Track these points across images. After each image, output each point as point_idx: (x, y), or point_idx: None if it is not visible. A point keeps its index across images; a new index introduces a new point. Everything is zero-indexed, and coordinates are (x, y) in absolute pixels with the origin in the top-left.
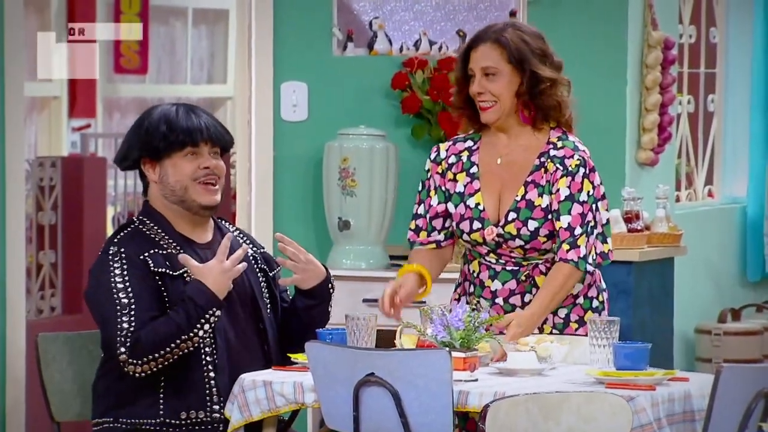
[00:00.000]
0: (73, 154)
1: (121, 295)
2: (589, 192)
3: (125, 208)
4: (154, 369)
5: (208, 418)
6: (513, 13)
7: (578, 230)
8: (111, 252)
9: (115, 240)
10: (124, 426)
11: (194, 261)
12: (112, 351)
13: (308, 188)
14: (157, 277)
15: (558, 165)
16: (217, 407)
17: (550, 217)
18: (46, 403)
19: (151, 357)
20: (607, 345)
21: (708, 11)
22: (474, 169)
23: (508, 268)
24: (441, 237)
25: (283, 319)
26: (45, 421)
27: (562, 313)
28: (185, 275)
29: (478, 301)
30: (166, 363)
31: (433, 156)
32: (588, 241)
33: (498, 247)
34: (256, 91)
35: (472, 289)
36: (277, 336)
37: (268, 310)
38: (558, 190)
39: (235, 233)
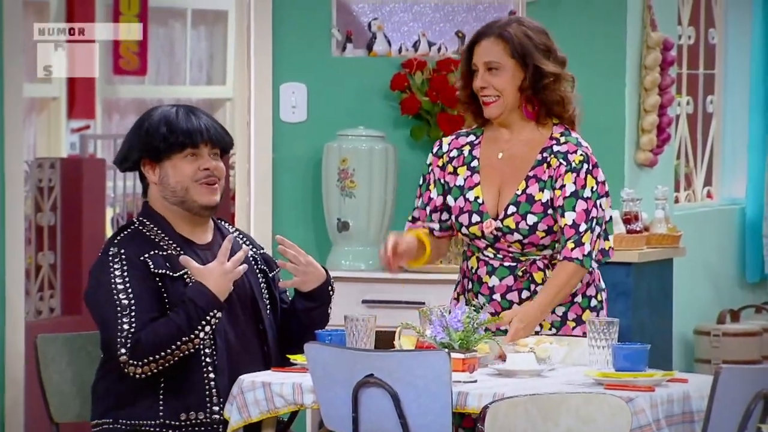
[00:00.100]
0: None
1: (121, 296)
2: (593, 188)
3: (124, 209)
4: (155, 370)
5: (208, 419)
6: (512, 14)
7: (583, 226)
8: (111, 253)
9: (115, 241)
10: (123, 427)
11: (195, 262)
12: (112, 352)
13: (307, 189)
14: (157, 279)
15: (561, 160)
16: (216, 408)
17: (549, 212)
18: (45, 404)
19: (151, 358)
20: (606, 346)
21: (707, 12)
22: (474, 163)
23: (505, 264)
24: (436, 226)
25: (283, 321)
26: (44, 423)
27: (560, 311)
28: (185, 276)
29: (476, 296)
30: (166, 364)
31: (435, 149)
32: (592, 238)
33: (496, 241)
34: (256, 93)
35: (470, 285)
36: (277, 337)
37: (268, 311)
38: (563, 185)
39: (235, 234)
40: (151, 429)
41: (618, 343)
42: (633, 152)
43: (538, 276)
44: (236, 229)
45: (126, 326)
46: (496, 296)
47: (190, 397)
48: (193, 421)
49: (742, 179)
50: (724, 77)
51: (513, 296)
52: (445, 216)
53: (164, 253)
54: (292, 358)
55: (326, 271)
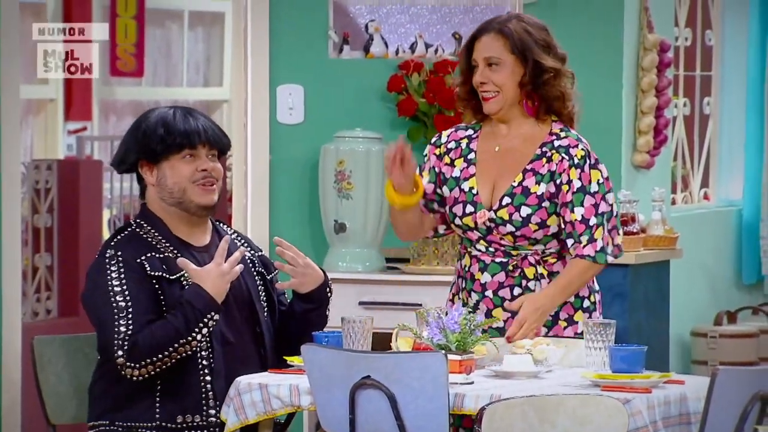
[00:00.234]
0: (69, 157)
1: (118, 298)
2: (599, 181)
3: (121, 210)
4: (152, 372)
5: (205, 422)
6: None
7: (593, 221)
8: (108, 255)
9: (113, 243)
10: (120, 429)
11: (193, 264)
12: (109, 354)
13: (304, 191)
14: (154, 281)
15: (564, 155)
16: (213, 411)
17: (544, 205)
18: (42, 406)
19: (149, 360)
20: (603, 348)
21: (704, 14)
22: (471, 155)
23: (497, 259)
24: (422, 202)
25: (281, 323)
26: (41, 424)
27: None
28: (182, 279)
29: (470, 295)
30: (164, 366)
31: (434, 140)
32: (604, 232)
33: (489, 233)
34: (253, 94)
35: (464, 284)
36: (274, 339)
37: (265, 314)
38: (570, 181)
39: (233, 236)
40: (148, 431)
41: (615, 345)
42: (630, 154)
43: (529, 272)
44: (234, 231)
45: (123, 328)
46: (488, 293)
47: (186, 400)
48: (190, 424)
49: (738, 181)
50: (721, 79)
51: (505, 293)
52: (433, 206)
53: (161, 255)
54: (289, 359)
55: (324, 272)
